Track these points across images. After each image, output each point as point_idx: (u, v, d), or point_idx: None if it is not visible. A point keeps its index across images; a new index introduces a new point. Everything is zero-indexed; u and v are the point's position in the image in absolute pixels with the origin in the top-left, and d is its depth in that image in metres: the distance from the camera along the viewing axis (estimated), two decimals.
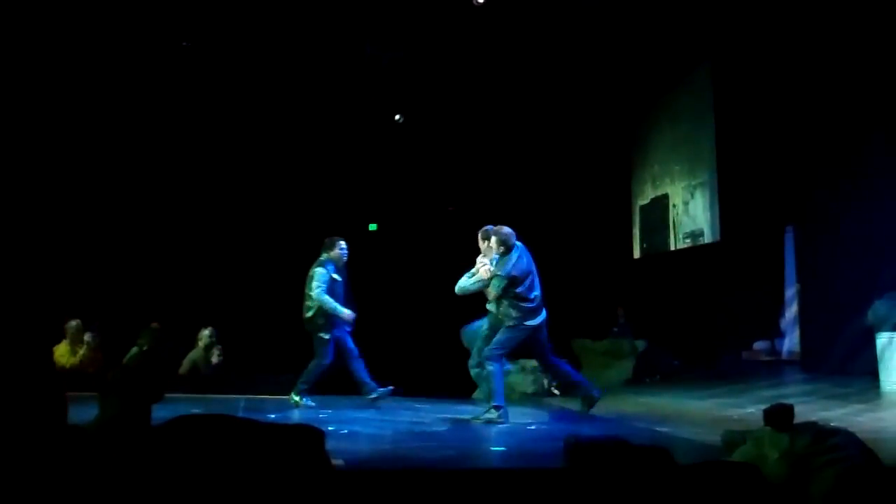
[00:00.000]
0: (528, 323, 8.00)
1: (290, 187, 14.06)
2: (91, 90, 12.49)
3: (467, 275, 8.31)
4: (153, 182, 13.55)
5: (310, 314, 8.93)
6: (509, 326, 8.02)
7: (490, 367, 7.99)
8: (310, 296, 8.93)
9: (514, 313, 7.98)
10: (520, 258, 8.09)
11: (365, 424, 7.70)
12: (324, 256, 9.09)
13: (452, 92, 13.59)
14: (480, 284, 8.18)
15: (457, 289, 8.30)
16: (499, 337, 8.04)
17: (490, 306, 8.25)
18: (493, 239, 8.15)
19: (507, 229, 8.19)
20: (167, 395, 4.18)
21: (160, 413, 3.95)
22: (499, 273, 8.01)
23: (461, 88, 13.54)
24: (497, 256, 8.08)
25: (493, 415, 7.85)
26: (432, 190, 14.65)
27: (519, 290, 7.98)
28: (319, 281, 8.85)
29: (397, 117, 14.16)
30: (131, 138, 13.22)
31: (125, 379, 4.08)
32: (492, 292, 8.12)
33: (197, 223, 13.68)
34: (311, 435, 3.46)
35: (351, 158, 14.14)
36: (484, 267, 8.18)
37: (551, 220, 14.21)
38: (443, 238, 14.00)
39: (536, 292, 8.08)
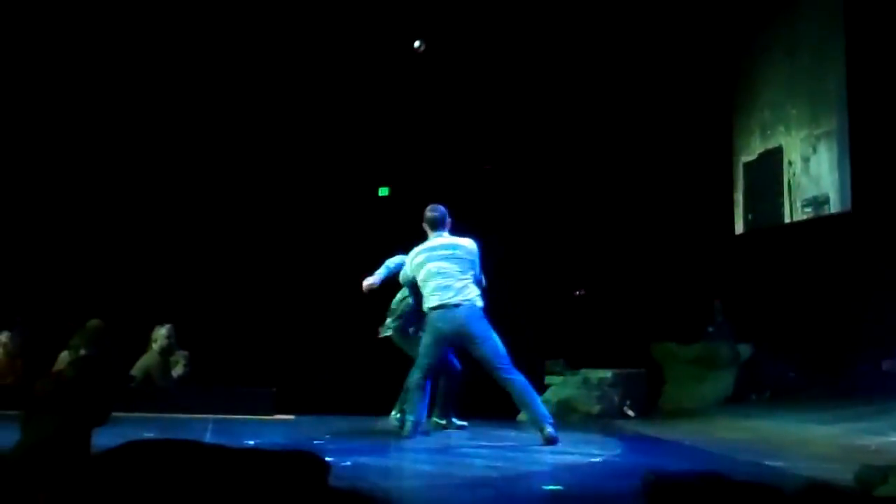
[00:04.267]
0: None
1: (272, 139, 14.10)
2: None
3: None
4: (90, 147, 13.74)
5: None
6: None
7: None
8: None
9: None
10: None
11: (375, 454, 7.77)
12: None
13: (491, 5, 13.53)
14: None
15: None
16: None
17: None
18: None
19: None
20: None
21: (101, 438, 3.98)
22: None
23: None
24: None
25: None
26: (461, 143, 14.63)
27: None
28: None
29: (416, 44, 14.12)
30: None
31: (59, 392, 4.11)
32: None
33: (146, 189, 13.77)
34: (308, 465, 3.47)
35: (353, 102, 14.15)
36: None
37: (623, 184, 14.16)
38: (475, 207, 13.99)
39: None
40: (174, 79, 13.76)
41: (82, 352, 10.41)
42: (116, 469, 3.53)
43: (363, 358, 10.71)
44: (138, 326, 11.11)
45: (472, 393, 9.64)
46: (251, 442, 8.10)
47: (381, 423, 9.65)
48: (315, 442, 8.29)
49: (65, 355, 10.45)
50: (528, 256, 13.74)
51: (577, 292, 14.38)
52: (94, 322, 10.92)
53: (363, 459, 7.35)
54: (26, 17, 12.98)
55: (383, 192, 14.98)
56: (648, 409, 11.58)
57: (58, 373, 6.79)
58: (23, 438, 4.16)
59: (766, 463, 7.39)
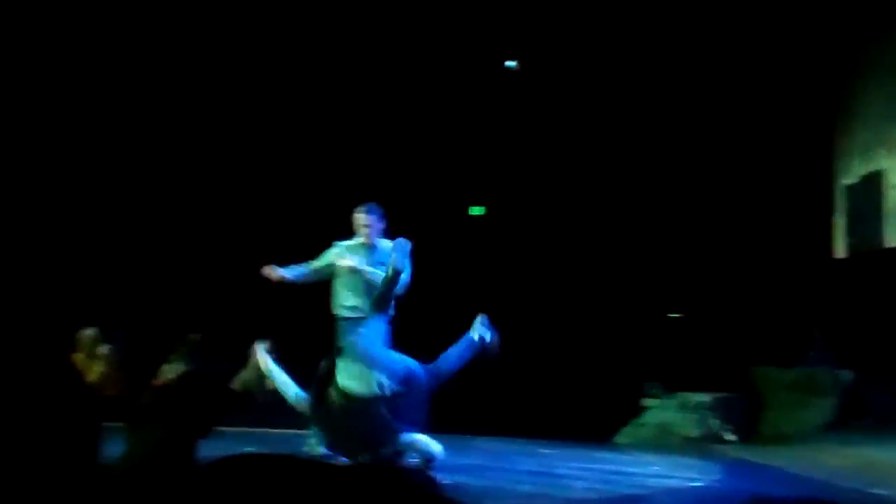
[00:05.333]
0: None
1: (363, 157, 14.12)
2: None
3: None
4: (189, 158, 13.91)
5: None
6: None
7: None
8: None
9: None
10: None
11: (474, 474, 7.73)
12: None
13: (586, 23, 13.45)
14: None
15: None
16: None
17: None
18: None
19: None
20: None
21: (203, 452, 3.95)
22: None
23: (597, 16, 13.41)
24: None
25: None
26: (557, 161, 14.56)
27: None
28: None
29: (510, 63, 14.10)
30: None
31: (164, 405, 4.10)
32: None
33: (253, 207, 13.88)
34: (418, 483, 3.39)
35: (446, 117, 14.14)
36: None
37: (720, 206, 13.94)
38: (570, 226, 13.92)
39: None
40: (259, 95, 13.86)
41: (179, 366, 10.45)
42: (222, 482, 3.48)
43: (462, 376, 10.60)
44: (239, 341, 11.15)
45: (569, 414, 9.57)
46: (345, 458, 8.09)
47: (479, 442, 9.63)
48: (410, 460, 8.25)
49: (166, 369, 10.50)
50: (625, 277, 13.61)
51: (673, 315, 14.20)
52: (193, 336, 10.97)
53: (462, 479, 7.30)
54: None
55: (477, 211, 14.92)
56: (748, 433, 11.38)
57: (162, 386, 6.83)
58: (128, 450, 4.15)
59: (871, 491, 7.25)
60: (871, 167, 14.57)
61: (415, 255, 9.30)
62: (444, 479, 7.15)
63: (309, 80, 13.87)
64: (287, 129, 14.10)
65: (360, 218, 8.86)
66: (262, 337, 10.50)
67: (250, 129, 14.09)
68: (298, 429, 9.37)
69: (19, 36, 13.07)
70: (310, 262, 8.91)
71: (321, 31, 13.57)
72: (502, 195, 14.57)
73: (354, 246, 8.81)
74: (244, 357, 11.00)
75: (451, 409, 10.63)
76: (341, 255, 8.75)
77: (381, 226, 8.87)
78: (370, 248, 8.78)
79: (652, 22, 13.59)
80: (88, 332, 10.75)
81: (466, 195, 14.72)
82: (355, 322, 8.61)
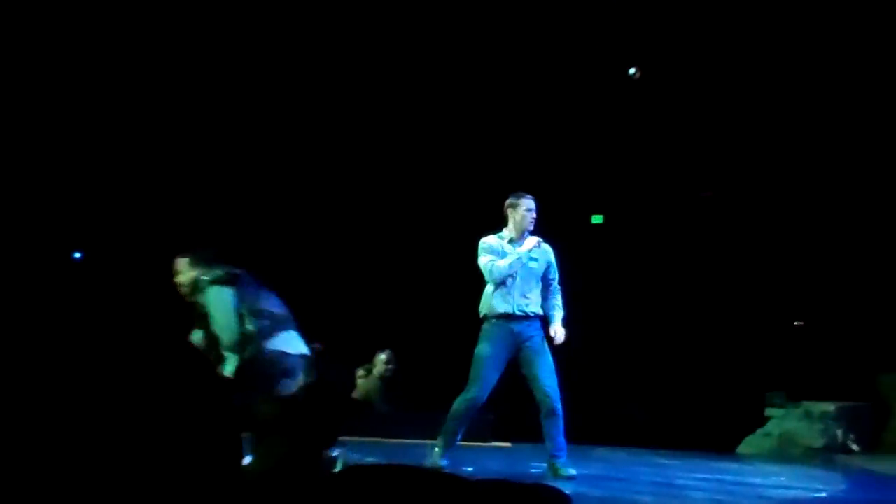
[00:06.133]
0: None
1: (485, 167, 14.18)
2: None
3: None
4: (327, 161, 14.13)
5: None
6: None
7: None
8: None
9: None
10: None
11: (593, 484, 7.70)
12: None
13: (709, 29, 13.27)
14: None
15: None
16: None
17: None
18: None
19: None
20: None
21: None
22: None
23: (719, 23, 13.22)
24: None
25: None
26: (678, 169, 14.41)
27: None
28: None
29: (631, 71, 14.01)
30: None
31: (288, 416, 4.16)
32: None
33: (363, 214, 14.03)
34: (551, 500, 3.38)
35: (566, 127, 14.10)
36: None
37: (844, 212, 13.63)
38: (693, 236, 13.79)
39: None
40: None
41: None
42: (345, 494, 3.53)
43: (578, 386, 10.58)
44: (358, 349, 11.26)
45: (690, 424, 9.48)
46: (469, 469, 8.11)
47: (599, 452, 9.58)
48: (533, 470, 8.26)
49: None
50: (747, 285, 13.42)
51: (797, 323, 13.93)
52: (316, 346, 11.08)
53: (582, 489, 7.28)
54: None
55: (597, 219, 14.84)
56: (873, 443, 11.14)
57: (286, 397, 6.91)
58: (254, 461, 4.22)
59: None
60: None
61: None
62: (565, 489, 7.16)
63: (436, 90, 13.94)
64: (412, 139, 14.21)
65: (531, 205, 8.68)
66: (382, 346, 10.66)
67: (385, 140, 14.24)
68: (419, 438, 9.48)
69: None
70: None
71: (448, 39, 13.62)
72: (619, 203, 14.48)
73: (509, 242, 8.62)
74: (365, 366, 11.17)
75: (571, 420, 10.65)
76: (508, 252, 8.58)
77: None
78: (520, 242, 8.59)
79: (776, 28, 13.34)
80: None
81: (587, 203, 14.66)
82: (537, 319, 8.42)
